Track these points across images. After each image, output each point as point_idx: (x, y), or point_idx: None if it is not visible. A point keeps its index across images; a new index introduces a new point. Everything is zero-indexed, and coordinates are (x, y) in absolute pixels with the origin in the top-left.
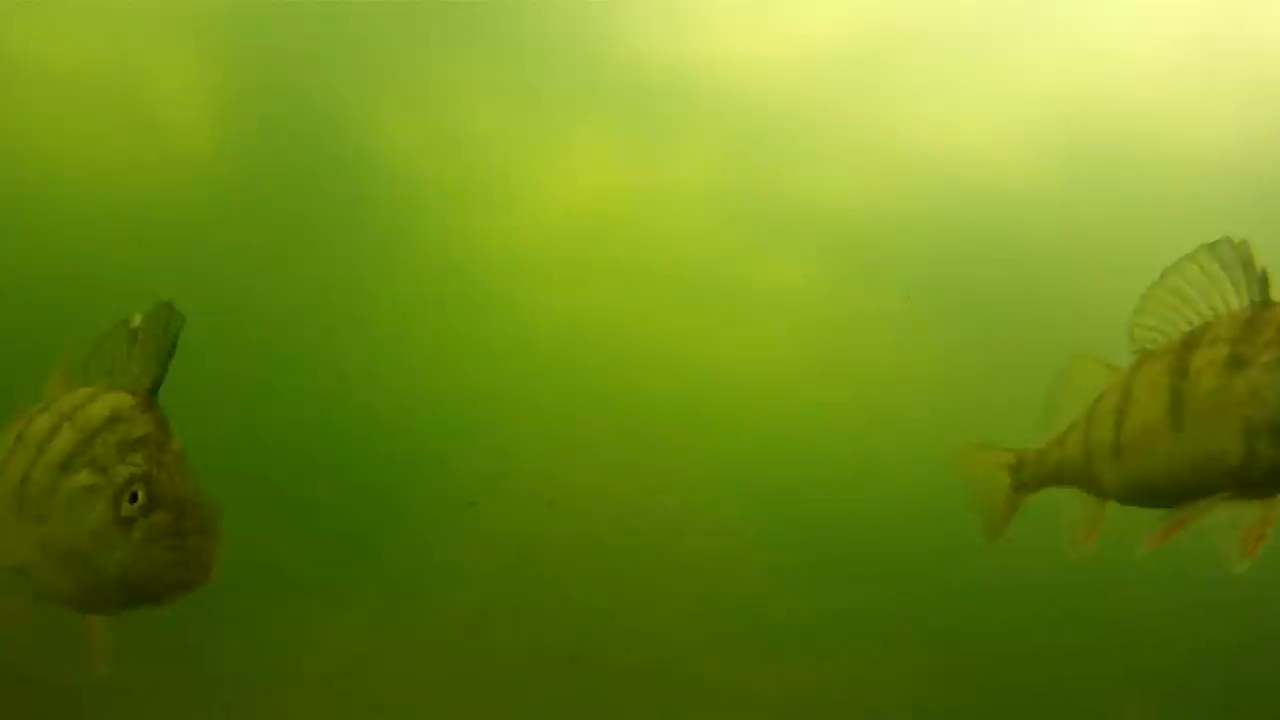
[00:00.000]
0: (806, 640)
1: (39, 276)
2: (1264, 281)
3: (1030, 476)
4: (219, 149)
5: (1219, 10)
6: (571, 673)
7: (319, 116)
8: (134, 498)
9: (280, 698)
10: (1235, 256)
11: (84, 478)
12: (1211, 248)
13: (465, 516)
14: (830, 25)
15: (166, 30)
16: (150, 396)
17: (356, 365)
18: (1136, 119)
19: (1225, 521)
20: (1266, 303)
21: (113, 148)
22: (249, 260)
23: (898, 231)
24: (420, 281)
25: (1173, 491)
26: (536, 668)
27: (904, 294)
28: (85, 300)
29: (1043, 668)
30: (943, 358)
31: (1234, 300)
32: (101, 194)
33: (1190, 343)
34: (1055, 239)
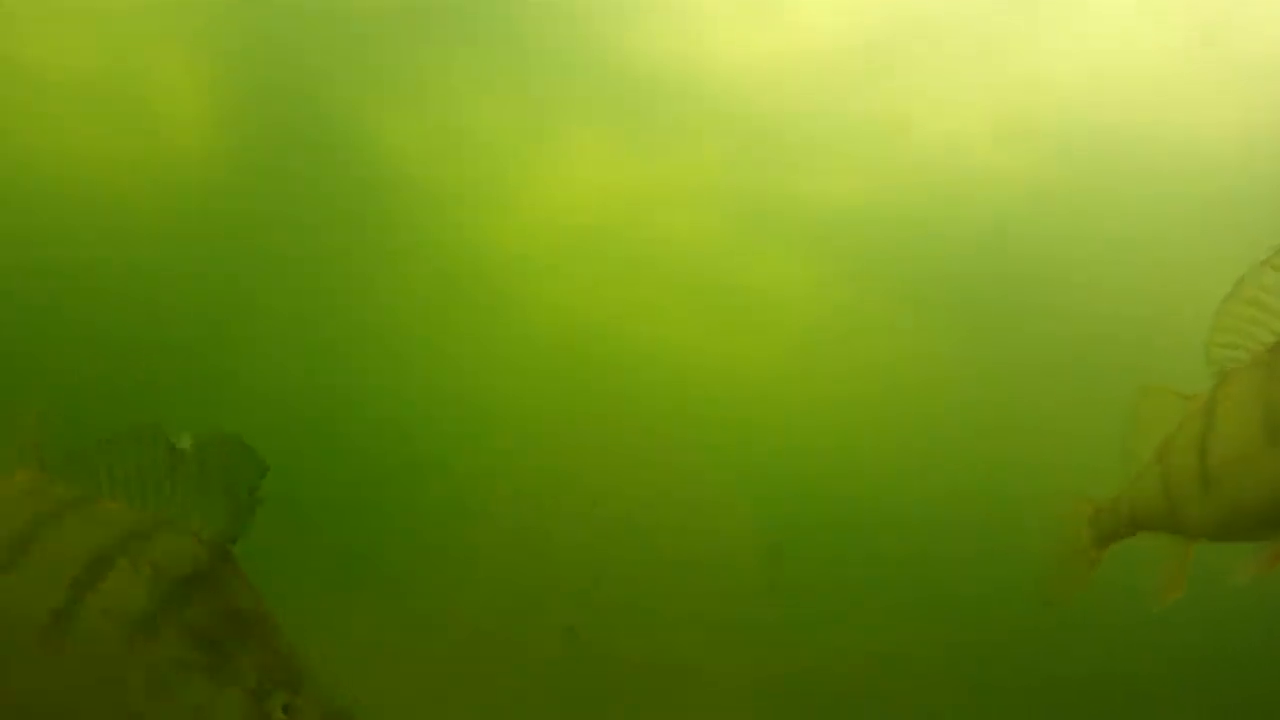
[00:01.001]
0: (804, 632)
1: (39, 276)
2: None
3: (1108, 527)
4: (218, 149)
5: (1220, 9)
6: (569, 646)
7: (319, 116)
8: (289, 709)
9: None
10: None
11: (190, 656)
12: None
13: (468, 516)
14: (830, 26)
15: (166, 30)
16: (228, 552)
17: (357, 364)
18: (1138, 117)
19: None
20: None
21: (113, 148)
22: (248, 259)
23: (897, 230)
24: (421, 280)
25: (1274, 518)
26: (537, 661)
27: (906, 295)
28: (85, 300)
29: (1048, 665)
30: (944, 354)
31: None
32: (101, 194)
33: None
34: (1057, 236)
